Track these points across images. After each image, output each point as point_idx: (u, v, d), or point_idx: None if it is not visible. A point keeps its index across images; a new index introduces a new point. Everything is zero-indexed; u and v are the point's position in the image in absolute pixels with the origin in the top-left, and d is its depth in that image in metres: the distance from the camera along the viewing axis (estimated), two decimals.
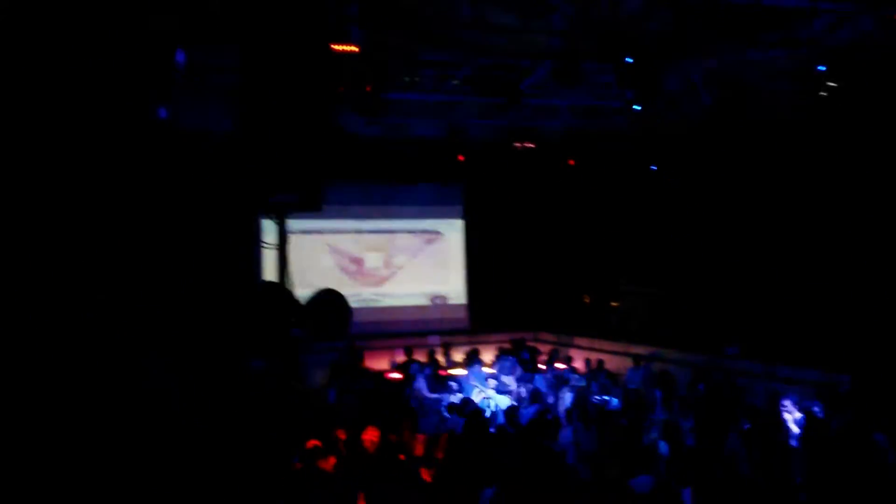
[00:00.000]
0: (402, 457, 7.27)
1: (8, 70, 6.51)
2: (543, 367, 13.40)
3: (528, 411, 9.88)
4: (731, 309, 13.23)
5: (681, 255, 14.80)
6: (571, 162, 15.98)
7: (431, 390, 11.74)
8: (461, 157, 15.75)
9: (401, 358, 14.58)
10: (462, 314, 17.95)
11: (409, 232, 17.82)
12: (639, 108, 10.84)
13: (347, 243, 17.22)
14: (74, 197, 7.22)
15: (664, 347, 13.27)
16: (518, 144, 15.05)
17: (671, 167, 14.67)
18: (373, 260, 17.46)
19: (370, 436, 7.69)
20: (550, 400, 11.29)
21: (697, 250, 14.46)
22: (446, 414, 10.04)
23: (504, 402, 11.05)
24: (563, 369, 13.10)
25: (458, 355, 14.78)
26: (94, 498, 4.79)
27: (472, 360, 13.35)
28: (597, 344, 14.97)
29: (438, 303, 17.94)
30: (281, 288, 6.54)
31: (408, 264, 17.75)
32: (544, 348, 15.62)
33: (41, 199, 6.92)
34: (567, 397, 10.93)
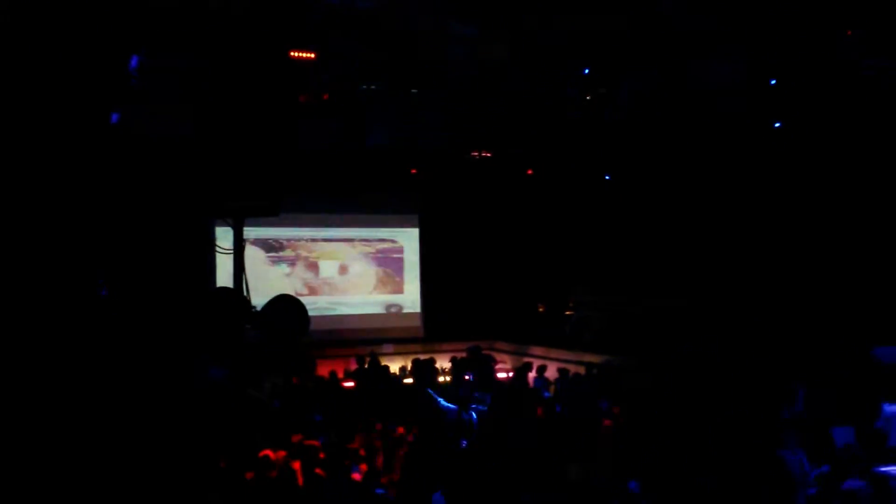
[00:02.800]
0: (363, 467, 7.24)
1: None
2: (506, 375, 13.42)
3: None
4: (685, 317, 13.44)
5: (634, 264, 15.00)
6: (529, 171, 16.11)
7: None
8: (413, 171, 15.79)
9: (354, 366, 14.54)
10: (417, 323, 17.96)
11: (365, 240, 17.80)
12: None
13: (303, 252, 17.14)
14: (26, 203, 7.09)
15: (618, 355, 13.41)
16: (475, 153, 15.15)
17: (624, 175, 14.88)
18: (328, 268, 17.39)
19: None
20: None
21: (651, 259, 14.68)
22: None
23: None
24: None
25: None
26: None
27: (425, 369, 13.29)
28: (552, 353, 15.07)
29: (394, 311, 17.93)
30: (236, 294, 6.49)
31: (363, 273, 17.72)
32: (500, 357, 15.71)
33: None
34: None
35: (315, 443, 7.63)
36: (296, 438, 7.86)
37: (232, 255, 6.60)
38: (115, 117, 8.87)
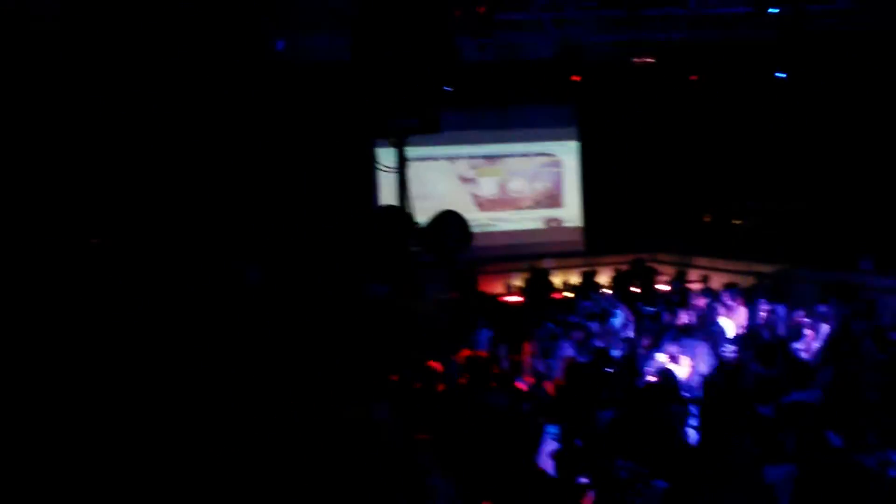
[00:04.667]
0: (528, 378, 7.35)
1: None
2: (666, 287, 13.15)
3: None
4: (863, 223, 12.59)
5: (806, 168, 14.10)
6: (694, 77, 15.32)
7: None
8: (576, 78, 15.34)
9: (518, 282, 14.67)
10: (578, 237, 17.79)
11: (524, 155, 17.65)
12: (776, 10, 10.23)
13: (462, 169, 17.24)
14: (202, 128, 7.49)
15: (791, 265, 12.80)
16: (636, 60, 14.56)
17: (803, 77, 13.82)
18: (487, 185, 17.44)
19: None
20: None
21: (823, 163, 13.75)
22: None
23: None
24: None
25: (575, 278, 14.71)
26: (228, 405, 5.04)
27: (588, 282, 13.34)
28: (718, 263, 14.58)
29: (554, 226, 17.83)
30: (400, 211, 6.63)
31: (522, 188, 17.65)
32: (663, 269, 15.39)
33: (174, 129, 7.21)
34: None
35: (483, 354, 7.80)
36: (464, 352, 8.04)
37: (394, 174, 6.73)
38: (280, 45, 9.15)
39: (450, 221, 6.36)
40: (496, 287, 15.16)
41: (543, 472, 5.85)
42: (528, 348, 8.29)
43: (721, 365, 7.80)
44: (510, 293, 14.86)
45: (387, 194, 14.29)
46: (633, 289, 13.13)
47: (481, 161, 17.37)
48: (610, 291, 13.27)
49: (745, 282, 12.62)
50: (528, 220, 17.62)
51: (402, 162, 6.54)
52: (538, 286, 13.46)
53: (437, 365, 7.49)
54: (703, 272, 14.14)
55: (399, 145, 6.49)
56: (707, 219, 16.69)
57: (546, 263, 15.22)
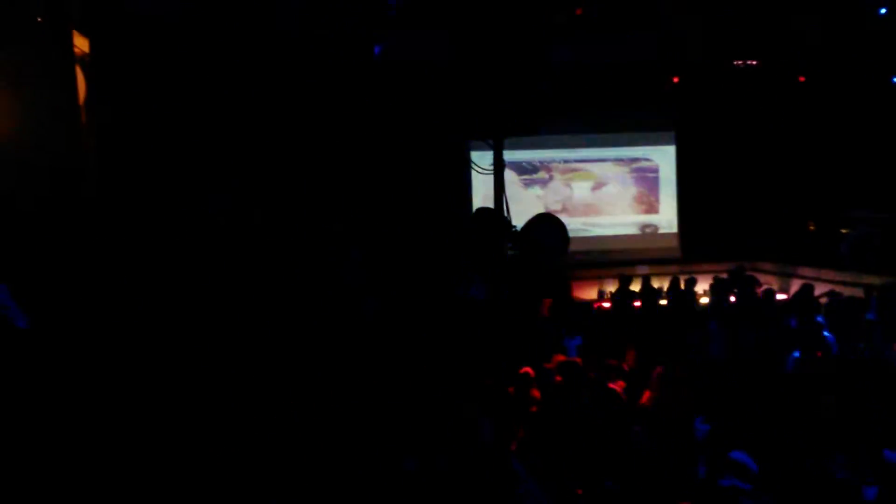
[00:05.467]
0: (621, 383, 7.21)
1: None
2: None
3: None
4: None
5: None
6: (801, 79, 14.77)
7: None
8: (675, 79, 14.99)
9: (610, 288, 14.44)
10: (674, 243, 17.41)
11: (619, 160, 17.39)
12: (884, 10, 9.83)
13: (556, 173, 17.10)
14: (303, 129, 7.62)
15: None
16: (739, 62, 14.15)
17: None
18: (581, 189, 17.24)
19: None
20: None
21: None
22: None
23: None
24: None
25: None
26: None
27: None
28: (823, 274, 14.02)
29: (649, 232, 17.50)
30: (497, 214, 6.60)
31: (617, 193, 17.39)
32: (764, 279, 14.91)
33: (275, 133, 7.35)
34: None
35: (577, 360, 7.69)
36: (557, 357, 7.95)
37: (487, 176, 6.71)
38: (377, 49, 9.25)
39: (546, 225, 6.30)
40: (589, 293, 14.97)
41: (637, 481, 5.72)
42: (631, 355, 8.13)
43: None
44: (603, 300, 14.66)
45: (481, 197, 14.34)
46: (731, 298, 12.72)
47: (575, 165, 17.19)
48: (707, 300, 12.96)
49: (853, 294, 12.09)
50: (622, 226, 17.35)
51: (500, 164, 6.51)
52: (631, 293, 13.22)
53: (530, 370, 7.42)
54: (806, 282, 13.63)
55: (497, 147, 6.46)
56: (812, 227, 16.08)
57: (640, 270, 14.95)
